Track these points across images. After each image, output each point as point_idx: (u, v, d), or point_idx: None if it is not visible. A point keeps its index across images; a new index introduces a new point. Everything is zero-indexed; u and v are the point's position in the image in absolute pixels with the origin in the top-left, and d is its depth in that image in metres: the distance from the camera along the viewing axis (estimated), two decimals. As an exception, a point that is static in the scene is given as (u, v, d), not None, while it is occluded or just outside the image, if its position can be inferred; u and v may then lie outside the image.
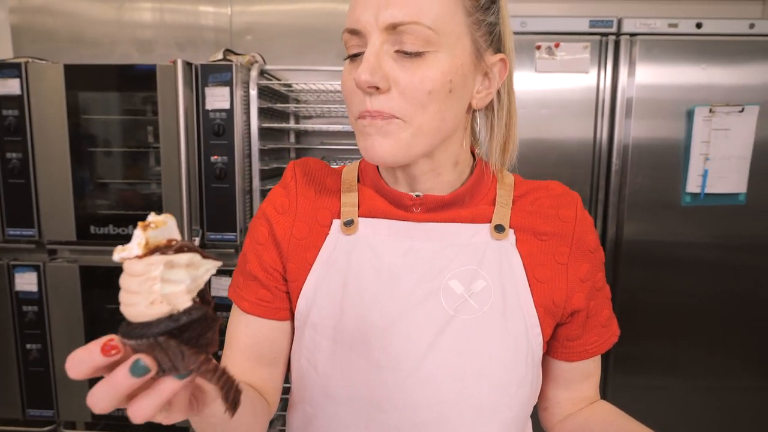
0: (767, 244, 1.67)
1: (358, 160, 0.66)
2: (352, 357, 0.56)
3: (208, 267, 0.33)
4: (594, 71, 1.62)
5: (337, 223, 0.60)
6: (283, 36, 2.21)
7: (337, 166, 0.68)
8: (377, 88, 0.51)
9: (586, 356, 0.63)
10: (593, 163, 1.68)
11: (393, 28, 0.49)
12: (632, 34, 1.59)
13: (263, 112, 1.73)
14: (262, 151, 1.70)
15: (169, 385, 0.34)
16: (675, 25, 1.57)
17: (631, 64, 1.60)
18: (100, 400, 0.33)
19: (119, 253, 0.32)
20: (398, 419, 0.55)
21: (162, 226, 0.32)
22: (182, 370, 0.33)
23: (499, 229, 0.58)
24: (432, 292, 0.56)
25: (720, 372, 1.74)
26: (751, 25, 1.57)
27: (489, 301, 0.56)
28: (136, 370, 0.32)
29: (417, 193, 0.59)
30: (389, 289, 0.56)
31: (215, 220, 1.60)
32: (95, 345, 0.33)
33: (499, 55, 0.56)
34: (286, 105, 2.02)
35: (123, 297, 0.32)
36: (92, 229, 1.61)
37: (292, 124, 2.15)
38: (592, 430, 0.62)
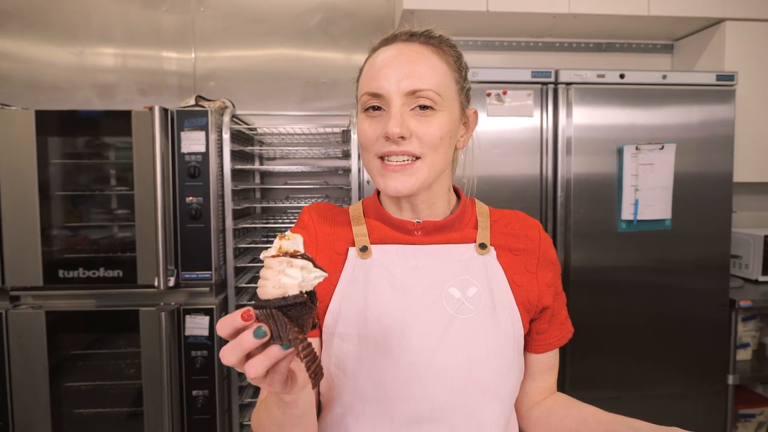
0: (689, 267, 1.91)
1: (360, 201, 0.81)
2: (376, 358, 0.67)
3: (317, 274, 0.46)
4: (537, 114, 1.82)
5: (353, 250, 0.73)
6: (246, 81, 2.30)
7: (342, 207, 0.82)
8: (403, 138, 0.66)
9: (550, 348, 0.78)
10: (541, 196, 1.86)
11: (412, 93, 0.67)
12: (567, 83, 1.82)
13: (233, 155, 1.80)
14: (233, 192, 1.76)
15: (276, 351, 0.45)
16: (603, 76, 1.82)
17: (569, 108, 1.82)
18: (229, 354, 0.45)
19: (264, 253, 0.46)
20: (418, 406, 0.66)
21: (293, 239, 0.46)
22: (285, 340, 0.45)
23: (483, 246, 0.74)
24: (436, 298, 0.69)
25: (659, 382, 1.93)
26: (664, 76, 1.84)
27: (481, 303, 0.70)
28: (258, 333, 0.44)
29: (418, 220, 0.74)
30: (402, 299, 0.69)
31: (190, 260, 1.63)
32: (237, 313, 0.45)
33: (473, 109, 0.77)
34: (256, 148, 2.10)
35: (260, 281, 0.46)
36: (60, 273, 1.59)
37: (258, 166, 2.23)
38: (558, 414, 0.76)
